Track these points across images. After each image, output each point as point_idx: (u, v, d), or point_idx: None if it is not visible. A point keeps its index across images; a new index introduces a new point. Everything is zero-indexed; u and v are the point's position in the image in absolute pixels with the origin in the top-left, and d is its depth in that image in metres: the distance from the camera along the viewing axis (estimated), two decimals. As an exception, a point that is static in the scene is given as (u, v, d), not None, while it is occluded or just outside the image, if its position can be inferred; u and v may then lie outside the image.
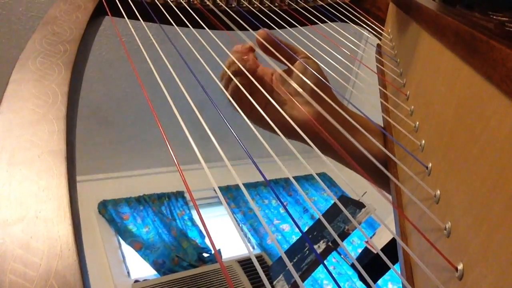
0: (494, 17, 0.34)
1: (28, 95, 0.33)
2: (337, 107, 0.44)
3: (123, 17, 0.53)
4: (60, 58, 0.39)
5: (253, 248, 2.97)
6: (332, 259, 2.81)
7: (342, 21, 0.66)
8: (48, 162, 0.27)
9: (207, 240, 2.85)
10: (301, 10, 0.65)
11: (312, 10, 0.66)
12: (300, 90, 0.44)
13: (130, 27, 0.47)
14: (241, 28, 0.57)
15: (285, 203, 3.39)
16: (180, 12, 0.54)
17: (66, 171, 0.27)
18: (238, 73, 0.46)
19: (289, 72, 0.49)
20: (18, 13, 2.38)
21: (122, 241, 2.78)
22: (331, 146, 0.37)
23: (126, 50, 0.44)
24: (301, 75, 0.46)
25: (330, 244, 1.83)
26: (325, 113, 0.38)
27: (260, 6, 0.63)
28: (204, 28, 0.53)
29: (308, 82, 0.45)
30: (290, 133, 0.43)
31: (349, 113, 0.46)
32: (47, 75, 0.36)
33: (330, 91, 0.47)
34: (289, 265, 0.21)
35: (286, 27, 0.61)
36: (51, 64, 0.38)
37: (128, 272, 2.64)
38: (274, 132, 0.43)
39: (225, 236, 2.78)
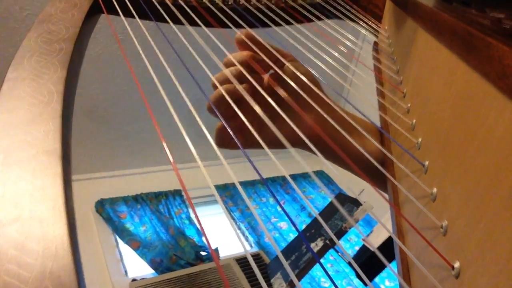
0: (491, 14, 0.34)
1: (23, 94, 0.33)
2: (338, 109, 0.43)
3: (119, 15, 0.52)
4: (56, 56, 0.39)
5: (251, 246, 2.97)
6: (330, 257, 2.82)
7: (339, 18, 0.66)
8: (43, 162, 0.27)
9: (204, 239, 2.85)
10: (298, 7, 0.65)
11: (309, 8, 0.66)
12: (301, 91, 0.42)
13: (126, 25, 0.47)
14: (238, 25, 0.56)
15: (282, 201, 3.39)
16: (177, 10, 0.54)
17: (62, 171, 0.26)
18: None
19: (276, 78, 0.47)
20: (14, 11, 2.37)
21: (119, 240, 2.78)
22: (330, 150, 0.37)
23: (121, 48, 0.44)
24: (309, 76, 0.44)
25: (328, 242, 1.83)
26: (327, 117, 0.38)
27: (257, 3, 0.63)
28: (201, 26, 0.53)
29: (318, 84, 0.44)
30: (292, 144, 0.42)
31: (344, 114, 0.45)
32: (43, 74, 0.36)
33: (323, 93, 0.46)
34: (286, 265, 0.21)
35: (282, 25, 0.61)
36: (46, 63, 0.38)
37: (126, 271, 2.64)
38: (277, 147, 0.42)
39: (223, 234, 2.78)
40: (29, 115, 0.31)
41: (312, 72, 0.47)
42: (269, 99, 0.40)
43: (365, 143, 0.40)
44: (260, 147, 0.43)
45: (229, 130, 0.44)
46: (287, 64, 0.45)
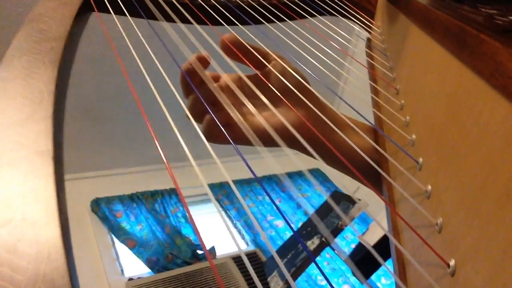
0: (483, 10, 0.34)
1: (14, 94, 0.33)
2: (329, 108, 0.43)
3: (110, 13, 0.52)
4: (46, 56, 0.39)
5: (247, 244, 2.98)
6: (326, 255, 2.82)
7: (331, 15, 0.66)
8: (35, 163, 0.26)
9: (199, 238, 2.84)
10: (291, 4, 0.65)
11: (302, 4, 0.66)
12: (297, 89, 0.42)
13: (117, 23, 0.47)
14: (230, 23, 0.56)
15: (278, 199, 3.40)
16: (168, 7, 0.54)
17: (54, 172, 0.26)
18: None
19: (261, 77, 0.46)
20: (5, 10, 2.35)
21: (115, 239, 2.78)
22: (323, 150, 0.36)
23: (113, 47, 0.44)
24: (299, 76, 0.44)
25: (324, 240, 1.83)
26: (318, 113, 0.38)
27: (249, 0, 0.63)
28: (193, 23, 0.53)
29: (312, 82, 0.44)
30: (273, 142, 0.42)
31: (335, 112, 0.45)
32: (33, 74, 0.36)
33: (312, 92, 0.46)
34: (280, 264, 0.21)
35: (275, 22, 0.61)
36: (37, 62, 0.37)
37: (122, 270, 2.63)
38: (268, 145, 0.42)
39: (219, 232, 2.78)
40: (20, 116, 0.30)
41: (306, 69, 0.47)
42: (261, 94, 0.39)
43: (358, 141, 0.40)
44: (246, 143, 0.43)
45: (215, 124, 0.44)
46: (269, 66, 0.45)
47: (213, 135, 0.44)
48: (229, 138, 0.33)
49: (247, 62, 0.45)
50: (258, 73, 0.47)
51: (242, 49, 0.45)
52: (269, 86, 0.43)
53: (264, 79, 0.44)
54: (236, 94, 0.39)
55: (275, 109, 0.37)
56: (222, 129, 0.34)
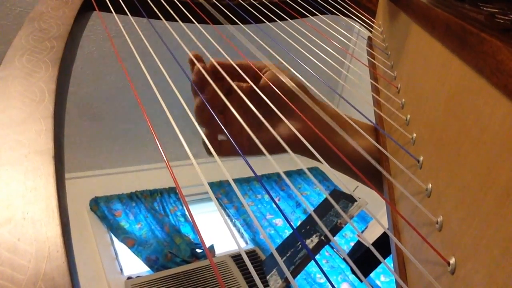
0: (484, 8, 0.34)
1: (15, 93, 0.33)
2: (328, 110, 0.43)
3: (111, 12, 0.52)
4: (47, 55, 0.39)
5: (246, 243, 2.98)
6: (325, 253, 2.83)
7: (333, 13, 0.66)
8: (35, 162, 0.26)
9: (199, 236, 2.84)
10: (292, 3, 0.65)
11: (303, 3, 0.66)
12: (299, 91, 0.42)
13: (118, 22, 0.47)
14: (231, 22, 0.56)
15: (277, 198, 3.40)
16: (169, 6, 0.54)
17: (54, 171, 0.26)
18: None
19: (258, 90, 0.46)
20: (5, 9, 2.35)
21: (114, 238, 2.78)
22: (323, 151, 0.37)
23: (114, 46, 0.44)
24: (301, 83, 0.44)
25: (323, 238, 1.83)
26: (324, 116, 0.38)
27: None
28: (194, 23, 0.53)
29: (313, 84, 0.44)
30: (280, 149, 0.42)
31: (336, 112, 0.45)
32: (34, 73, 0.36)
33: (310, 95, 0.46)
34: (280, 262, 0.21)
35: (276, 21, 0.61)
36: (38, 61, 0.37)
37: (121, 269, 2.63)
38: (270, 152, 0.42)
39: (218, 231, 2.78)
40: (21, 115, 0.30)
41: (307, 68, 0.47)
42: (266, 99, 0.39)
43: (358, 141, 0.40)
44: (252, 154, 0.43)
45: (213, 139, 0.44)
46: (264, 77, 0.45)
47: (215, 148, 0.44)
48: (236, 148, 0.33)
49: (244, 76, 0.45)
50: (254, 86, 0.46)
51: (230, 69, 0.45)
52: (268, 97, 0.43)
53: (261, 93, 0.44)
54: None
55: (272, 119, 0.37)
56: (231, 140, 0.34)
